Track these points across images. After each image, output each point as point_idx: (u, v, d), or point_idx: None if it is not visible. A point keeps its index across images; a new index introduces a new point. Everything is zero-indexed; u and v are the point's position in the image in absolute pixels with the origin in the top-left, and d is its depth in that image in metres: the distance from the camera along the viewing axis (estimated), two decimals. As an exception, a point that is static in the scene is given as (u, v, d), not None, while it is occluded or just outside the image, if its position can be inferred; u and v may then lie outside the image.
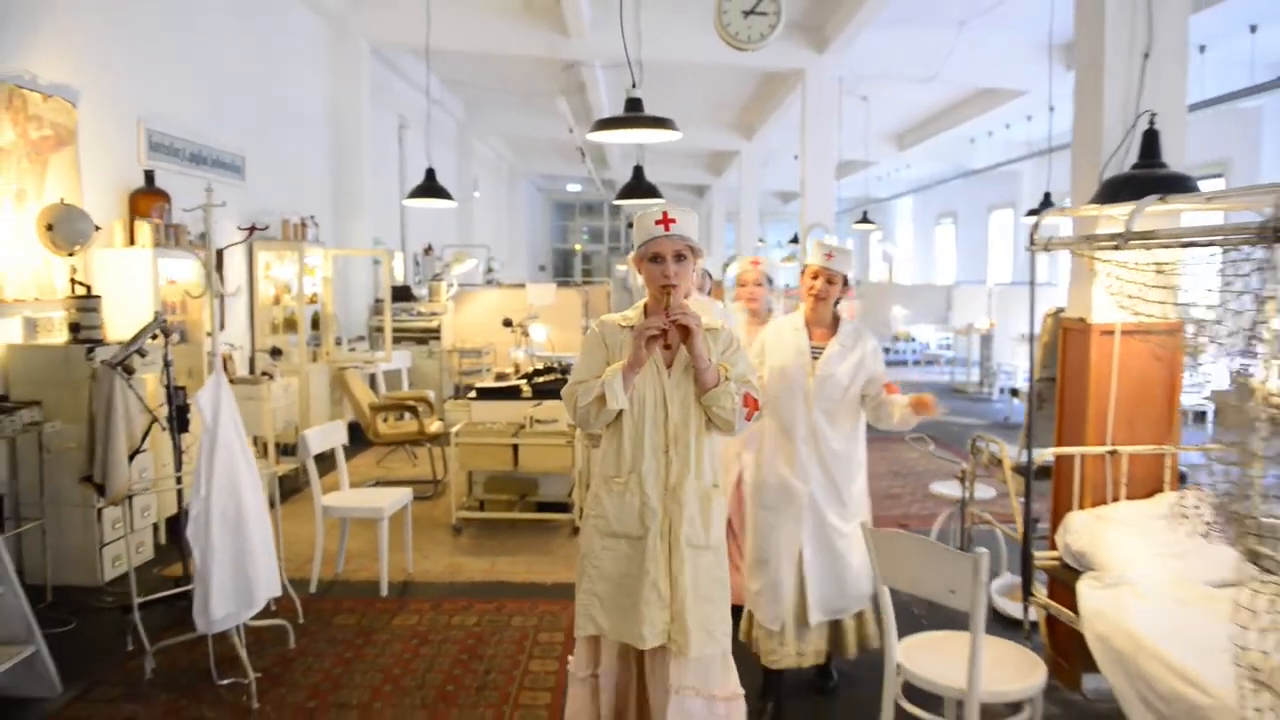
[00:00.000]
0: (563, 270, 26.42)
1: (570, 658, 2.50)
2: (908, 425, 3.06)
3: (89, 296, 4.40)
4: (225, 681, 3.32)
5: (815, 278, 3.09)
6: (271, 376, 6.03)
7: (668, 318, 2.25)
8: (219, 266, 5.78)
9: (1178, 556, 2.91)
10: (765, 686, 3.19)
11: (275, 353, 6.47)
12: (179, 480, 3.94)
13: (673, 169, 18.82)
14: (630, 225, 8.31)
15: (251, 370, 6.52)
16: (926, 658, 2.55)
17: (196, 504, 3.18)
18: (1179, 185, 2.74)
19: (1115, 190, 2.83)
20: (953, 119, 12.68)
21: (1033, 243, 2.99)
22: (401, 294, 9.53)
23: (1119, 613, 2.69)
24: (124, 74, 5.30)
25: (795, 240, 12.34)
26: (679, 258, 2.33)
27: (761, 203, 18.34)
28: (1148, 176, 2.77)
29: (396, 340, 8.51)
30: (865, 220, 14.56)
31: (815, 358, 3.08)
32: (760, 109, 12.81)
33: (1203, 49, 8.76)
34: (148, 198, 5.30)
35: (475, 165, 14.89)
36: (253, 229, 4.16)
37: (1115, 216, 2.70)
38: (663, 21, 7.52)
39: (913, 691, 2.53)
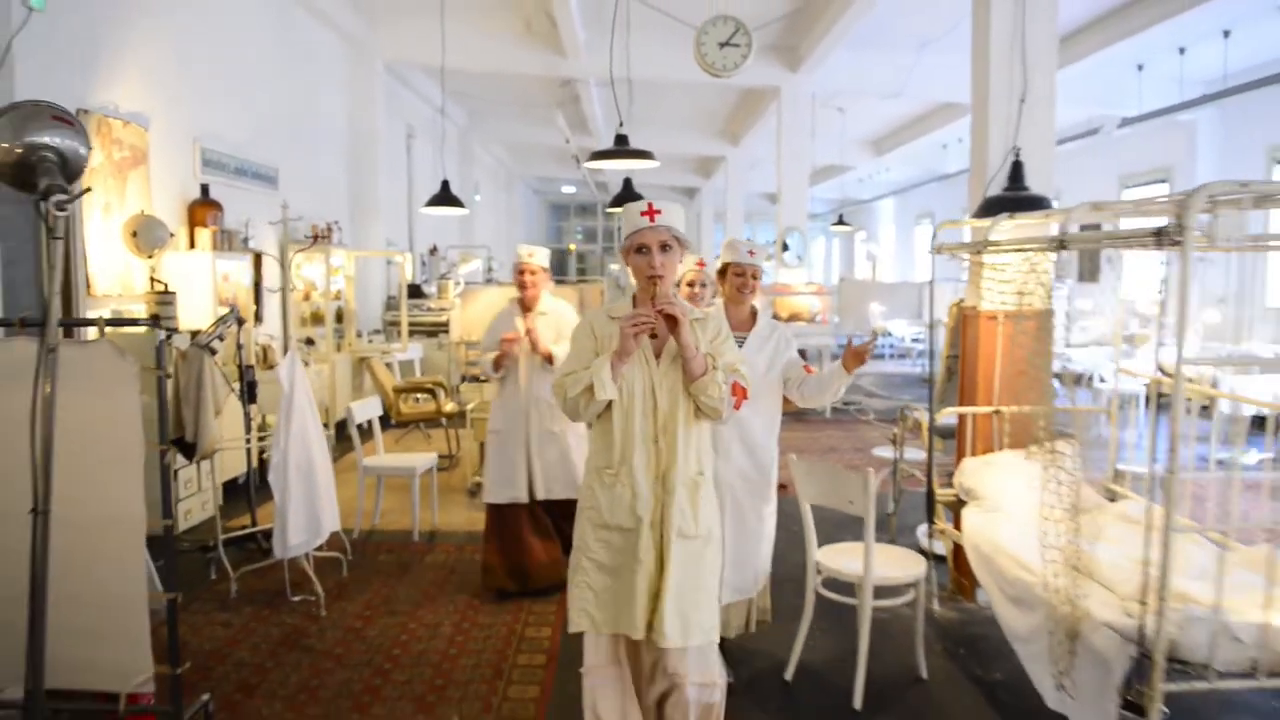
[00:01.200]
0: (558, 269, 27.17)
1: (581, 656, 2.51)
2: (847, 381, 3.24)
3: (166, 292, 5.24)
4: (297, 598, 4.18)
5: (741, 275, 3.33)
6: (306, 363, 6.87)
7: (654, 308, 2.29)
8: (258, 267, 6.64)
9: (1037, 490, 3.79)
10: None
11: (309, 342, 7.31)
12: (248, 442, 4.81)
13: (665, 172, 19.67)
14: (619, 202, 9.05)
15: (286, 358, 7.35)
16: (837, 558, 3.42)
17: (277, 454, 4.03)
18: (1034, 204, 3.61)
19: (989, 208, 3.71)
20: (923, 127, 13.58)
21: (933, 248, 3.87)
22: (413, 291, 10.37)
23: (989, 529, 3.57)
24: (183, 101, 6.13)
25: (786, 247, 13.16)
26: (665, 248, 2.37)
27: (749, 204, 19.25)
28: (1010, 198, 3.65)
29: (409, 333, 9.35)
30: (841, 222, 15.42)
31: (739, 346, 3.22)
32: (744, 118, 13.68)
33: (1141, 68, 9.70)
34: (203, 208, 6.14)
35: (476, 170, 15.72)
36: (316, 237, 4.99)
37: (980, 227, 3.58)
38: (650, 44, 8.35)
39: (829, 587, 3.40)
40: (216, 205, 6.20)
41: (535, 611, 4.09)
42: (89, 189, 3.81)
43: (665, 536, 2.36)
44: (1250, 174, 10.10)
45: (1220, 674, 2.52)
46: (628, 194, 6.69)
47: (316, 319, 7.94)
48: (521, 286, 4.19)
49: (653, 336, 2.34)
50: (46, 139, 2.00)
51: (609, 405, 2.37)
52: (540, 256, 4.22)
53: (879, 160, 16.28)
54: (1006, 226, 3.40)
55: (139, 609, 2.57)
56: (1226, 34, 8.28)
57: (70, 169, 2.10)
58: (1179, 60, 9.08)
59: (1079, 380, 8.45)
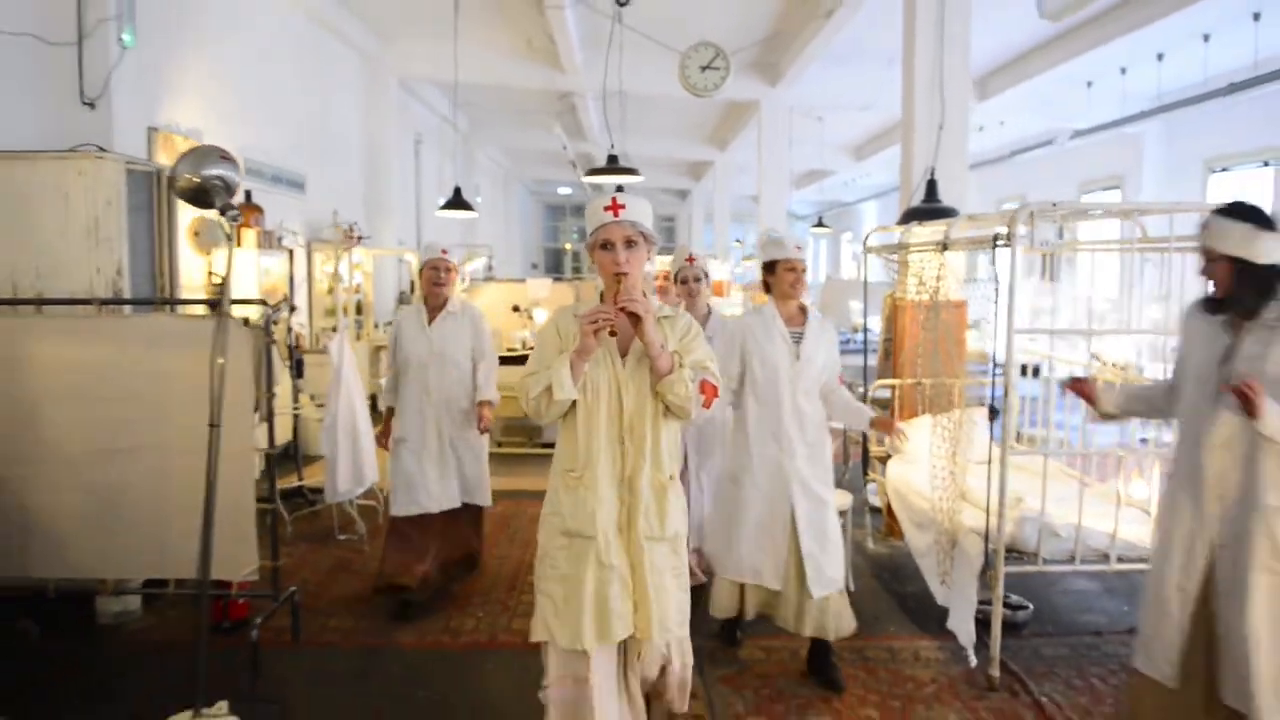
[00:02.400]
0: (554, 267, 28.09)
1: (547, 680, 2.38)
2: (859, 427, 3.58)
3: (222, 285, 6.09)
4: (343, 537, 5.06)
5: (793, 270, 3.28)
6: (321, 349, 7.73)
7: (615, 305, 2.20)
8: (292, 263, 7.49)
9: (950, 444, 4.69)
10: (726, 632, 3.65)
11: (335, 330, 8.17)
12: (295, 411, 5.69)
13: (658, 176, 20.54)
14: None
15: (314, 344, 8.21)
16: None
17: (328, 417, 4.89)
18: (943, 214, 4.50)
19: (907, 217, 4.60)
20: (898, 136, 14.47)
21: (865, 248, 4.76)
22: (421, 287, 11.23)
23: (904, 474, 4.46)
24: (229, 118, 6.98)
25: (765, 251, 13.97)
26: (629, 244, 2.28)
27: (737, 205, 20.15)
28: (925, 209, 4.53)
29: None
30: (821, 224, 16.33)
31: (797, 343, 3.31)
32: (730, 126, 14.56)
33: (1090, 84, 10.60)
34: (248, 210, 6.97)
35: (477, 174, 16.59)
36: (358, 238, 5.85)
37: (892, 230, 4.47)
38: (640, 64, 9.21)
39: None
40: (258, 208, 7.05)
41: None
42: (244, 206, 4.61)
43: (634, 540, 2.31)
44: (1190, 181, 11.04)
45: (1046, 560, 3.43)
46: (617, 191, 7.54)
47: (329, 312, 8.80)
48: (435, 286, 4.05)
49: (612, 334, 2.24)
50: (216, 171, 2.86)
51: (573, 405, 2.31)
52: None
53: (859, 165, 17.17)
54: (921, 232, 4.29)
55: (250, 517, 3.45)
56: (1160, 57, 9.18)
57: (231, 192, 2.97)
58: (1121, 79, 9.98)
59: (1024, 369, 9.36)
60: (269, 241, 6.95)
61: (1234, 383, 2.31)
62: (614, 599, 2.28)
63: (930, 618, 3.92)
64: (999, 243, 3.07)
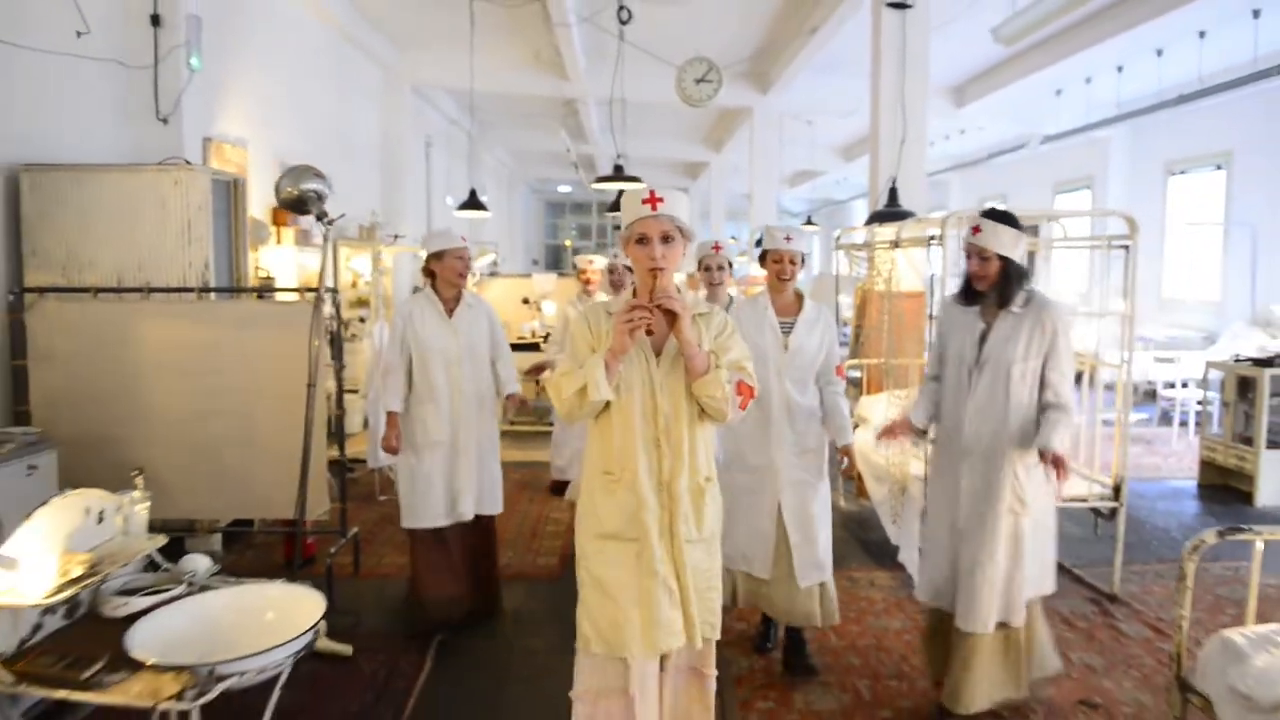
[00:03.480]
0: (554, 264, 28.79)
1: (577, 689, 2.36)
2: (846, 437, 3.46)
3: (269, 279, 6.83)
4: (383, 497, 5.80)
5: (780, 261, 3.34)
6: (359, 337, 8.46)
7: (651, 302, 2.14)
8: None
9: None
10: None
11: (362, 320, 8.91)
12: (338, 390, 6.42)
13: (657, 175, 21.27)
14: (618, 229, 10.75)
15: (344, 332, 8.95)
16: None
17: (372, 392, 5.63)
18: (902, 217, 5.24)
19: (873, 219, 5.34)
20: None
21: (836, 245, 5.51)
22: (433, 281, 11.97)
23: (867, 438, 5.21)
24: (268, 126, 7.70)
25: (760, 243, 14.82)
26: (666, 239, 2.20)
27: (732, 203, 20.87)
28: (887, 212, 5.28)
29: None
30: (810, 222, 17.07)
31: (786, 333, 3.34)
32: (726, 129, 15.29)
33: (1059, 92, 11.36)
34: (284, 211, 7.71)
35: (483, 173, 17.30)
36: (395, 236, 6.57)
37: (857, 231, 5.22)
38: (640, 74, 9.93)
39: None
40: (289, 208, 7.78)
41: (555, 504, 5.74)
42: (341, 215, 5.13)
43: (676, 545, 2.25)
44: (1152, 182, 11.82)
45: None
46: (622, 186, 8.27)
47: (362, 302, 9.54)
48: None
49: (649, 333, 2.18)
50: (312, 185, 3.60)
51: (607, 406, 2.25)
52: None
53: (848, 166, 17.90)
54: (882, 232, 5.04)
55: (323, 467, 4.19)
56: (1120, 69, 9.93)
57: (322, 201, 3.71)
58: (1086, 88, 10.73)
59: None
60: (304, 239, 7.68)
61: (1048, 459, 2.76)
62: (663, 608, 2.21)
63: (886, 555, 4.68)
64: (933, 242, 3.81)
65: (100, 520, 2.12)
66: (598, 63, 10.25)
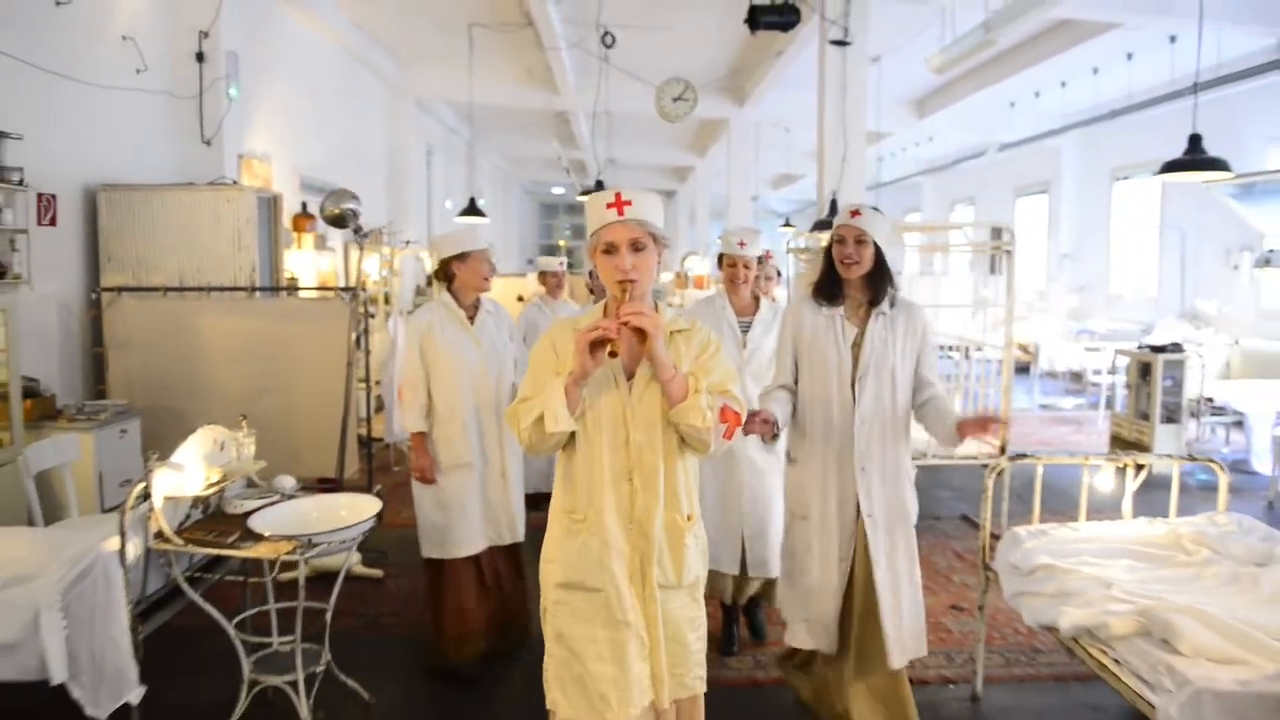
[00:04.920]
0: (548, 263, 29.73)
1: None
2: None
3: (293, 279, 7.73)
4: (397, 468, 6.71)
5: (734, 265, 3.47)
6: (371, 331, 9.36)
7: (616, 318, 1.85)
8: (345, 260, 9.10)
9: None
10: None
11: (371, 315, 9.82)
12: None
13: (646, 177, 22.20)
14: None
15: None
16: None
17: (386, 375, 6.52)
18: (840, 225, 6.16)
19: (816, 227, 6.26)
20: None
21: (786, 249, 6.43)
22: (430, 280, 12.87)
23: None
24: (288, 141, 8.59)
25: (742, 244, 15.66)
26: (637, 247, 1.93)
27: (717, 205, 21.79)
28: (827, 221, 6.20)
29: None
30: (788, 224, 17.99)
31: (745, 331, 3.49)
32: (709, 136, 16.20)
33: (1012, 104, 12.29)
34: (304, 218, 8.60)
35: (480, 178, 18.20)
36: (407, 241, 7.46)
37: (803, 236, 6.14)
38: (624, 91, 10.85)
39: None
40: (312, 216, 8.67)
41: (546, 474, 6.65)
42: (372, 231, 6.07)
43: (648, 591, 1.99)
44: (1100, 187, 12.76)
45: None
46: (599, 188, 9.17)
47: (372, 300, 10.45)
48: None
49: (613, 354, 1.87)
50: (350, 205, 4.50)
51: (573, 436, 1.99)
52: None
53: (828, 169, 18.84)
54: (822, 238, 5.95)
55: (355, 433, 5.09)
56: (1063, 84, 10.87)
57: (357, 218, 4.61)
58: (1035, 101, 11.68)
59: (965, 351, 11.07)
60: (321, 244, 8.58)
61: (970, 428, 2.53)
62: (633, 661, 1.95)
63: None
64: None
65: (222, 448, 3.01)
66: (586, 79, 11.15)
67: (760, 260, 3.67)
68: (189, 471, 2.69)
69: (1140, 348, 7.20)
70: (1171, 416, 6.85)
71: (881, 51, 9.55)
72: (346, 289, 5.08)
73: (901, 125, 12.87)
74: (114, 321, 5.16)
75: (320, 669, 2.97)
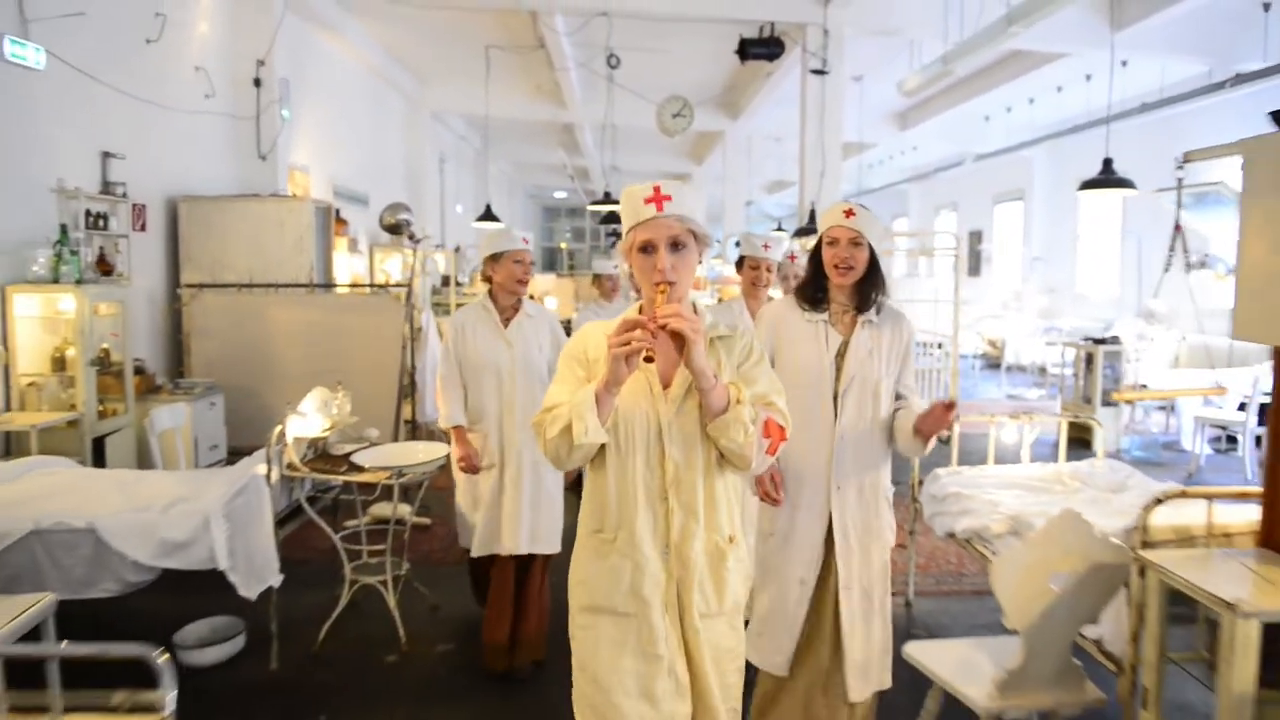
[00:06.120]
0: (549, 265, 30.61)
1: None
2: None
3: (412, 278, 8.62)
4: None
5: (756, 268, 3.44)
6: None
7: (654, 321, 1.69)
8: (372, 261, 9.99)
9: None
10: None
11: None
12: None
13: (644, 180, 23.08)
14: (606, 221, 12.68)
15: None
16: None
17: (422, 360, 7.43)
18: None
19: (797, 234, 7.16)
20: (848, 153, 17.10)
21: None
22: (445, 280, 13.77)
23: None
24: (323, 153, 9.49)
25: (738, 244, 16.72)
26: (676, 246, 1.77)
27: (713, 209, 22.73)
28: (807, 229, 7.10)
29: (456, 308, 12.78)
30: (780, 229, 18.93)
31: None
32: (706, 146, 17.12)
33: (987, 118, 13.22)
34: (338, 223, 9.49)
35: (489, 183, 19.11)
36: (441, 245, 8.35)
37: (784, 243, 7.06)
38: (626, 106, 11.76)
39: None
40: (344, 221, 9.57)
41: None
42: (426, 236, 6.88)
43: (688, 621, 1.83)
44: (1068, 197, 13.68)
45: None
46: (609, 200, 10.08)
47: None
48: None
49: (649, 359, 1.70)
50: (404, 216, 5.38)
51: (603, 448, 1.83)
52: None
53: (819, 176, 19.77)
54: (808, 242, 6.85)
55: (401, 410, 5.99)
56: (1031, 100, 11.80)
57: (410, 226, 5.50)
58: (1007, 115, 12.60)
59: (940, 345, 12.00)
60: (355, 247, 9.48)
61: (930, 422, 2.35)
62: (663, 698, 1.81)
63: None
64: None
65: (327, 405, 3.90)
66: (591, 94, 12.06)
67: (779, 266, 3.71)
68: (310, 419, 3.59)
69: (1084, 340, 8.12)
70: (1111, 400, 7.76)
71: (863, 71, 10.49)
72: (399, 285, 5.96)
73: (885, 137, 13.81)
74: (194, 313, 6.06)
75: (402, 573, 3.87)
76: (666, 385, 1.83)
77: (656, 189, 1.79)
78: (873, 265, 2.47)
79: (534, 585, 3.45)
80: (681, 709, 1.81)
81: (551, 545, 3.42)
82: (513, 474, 3.35)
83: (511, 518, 3.34)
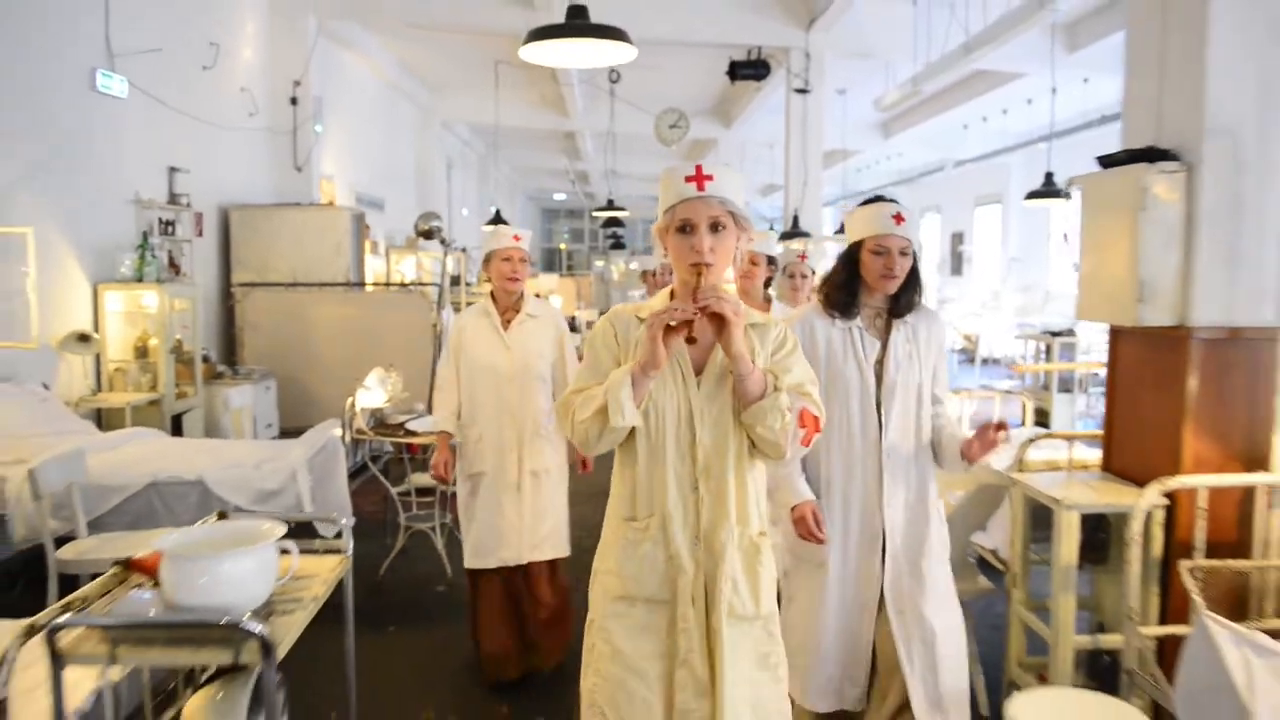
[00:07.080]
0: (548, 266, 31.40)
1: None
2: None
3: (441, 279, 9.39)
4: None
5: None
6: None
7: (696, 302, 1.65)
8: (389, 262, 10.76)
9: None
10: None
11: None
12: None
13: (642, 186, 23.90)
14: (606, 225, 13.43)
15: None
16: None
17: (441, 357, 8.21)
18: (803, 235, 7.85)
19: (783, 237, 7.96)
20: (834, 159, 17.90)
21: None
22: (455, 280, 14.55)
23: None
24: (346, 162, 10.26)
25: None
26: (716, 228, 1.72)
27: (709, 212, 23.50)
28: (791, 232, 7.90)
29: (465, 305, 13.55)
30: (771, 229, 19.77)
31: None
32: (701, 152, 17.91)
33: (966, 127, 14.05)
34: (365, 228, 10.27)
35: (492, 187, 19.90)
36: (463, 250, 9.12)
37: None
38: (625, 116, 12.54)
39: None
40: (367, 225, 10.34)
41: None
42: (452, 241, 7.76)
43: (713, 619, 1.74)
44: (1041, 201, 14.50)
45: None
46: (614, 222, 10.84)
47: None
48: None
49: (690, 340, 1.67)
50: (436, 223, 6.17)
51: (632, 434, 1.76)
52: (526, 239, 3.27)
53: (809, 179, 20.58)
54: (795, 245, 7.64)
55: (427, 402, 6.78)
56: (1005, 111, 12.62)
57: (442, 231, 6.28)
58: (983, 125, 13.43)
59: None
60: (376, 249, 10.26)
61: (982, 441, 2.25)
62: (691, 710, 1.73)
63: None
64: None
65: (383, 380, 4.69)
66: (593, 104, 12.86)
67: (785, 265, 3.74)
68: (373, 392, 4.38)
69: (1042, 333, 8.93)
70: (1066, 387, 8.57)
71: (845, 86, 11.31)
72: (429, 284, 6.74)
73: (870, 144, 14.62)
74: (246, 309, 6.83)
75: (446, 522, 4.66)
76: (698, 371, 1.78)
77: (699, 168, 1.72)
78: (913, 268, 2.35)
79: (542, 590, 3.30)
80: (700, 705, 1.72)
81: (558, 550, 3.30)
82: (508, 481, 3.20)
83: (512, 528, 3.20)
